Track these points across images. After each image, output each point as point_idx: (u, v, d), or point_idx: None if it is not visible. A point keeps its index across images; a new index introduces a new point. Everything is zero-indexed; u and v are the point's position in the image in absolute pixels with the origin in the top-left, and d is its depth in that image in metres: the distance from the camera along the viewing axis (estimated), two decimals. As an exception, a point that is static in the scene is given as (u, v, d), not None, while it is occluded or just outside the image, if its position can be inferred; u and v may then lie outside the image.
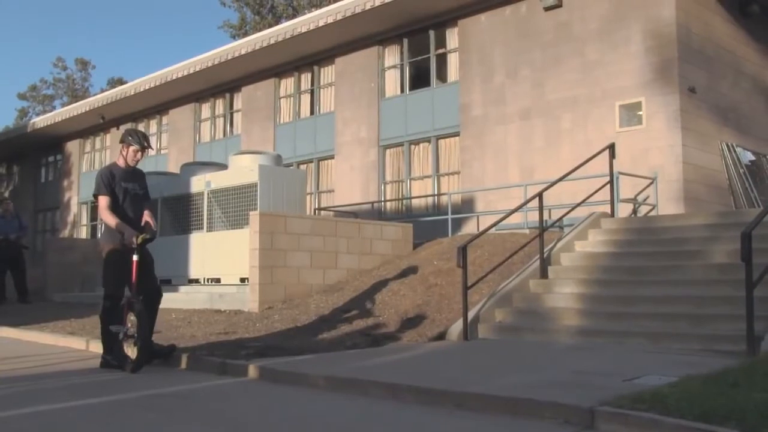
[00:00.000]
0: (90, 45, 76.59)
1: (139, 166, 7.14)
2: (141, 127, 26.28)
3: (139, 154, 6.95)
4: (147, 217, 6.95)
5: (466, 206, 16.27)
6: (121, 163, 6.99)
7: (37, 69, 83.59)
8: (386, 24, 17.99)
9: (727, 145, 14.50)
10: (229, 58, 20.62)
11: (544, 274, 9.17)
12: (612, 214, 11.00)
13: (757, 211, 9.16)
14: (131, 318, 6.75)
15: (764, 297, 6.59)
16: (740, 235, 6.11)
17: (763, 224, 6.86)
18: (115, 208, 6.80)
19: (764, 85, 16.33)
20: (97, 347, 8.14)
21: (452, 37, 17.50)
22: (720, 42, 15.00)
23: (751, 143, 15.33)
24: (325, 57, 20.02)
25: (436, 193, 17.43)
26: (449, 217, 15.06)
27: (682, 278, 8.23)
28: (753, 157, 15.08)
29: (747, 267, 6.10)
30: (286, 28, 19.47)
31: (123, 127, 26.68)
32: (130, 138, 6.95)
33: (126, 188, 6.89)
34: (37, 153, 31.94)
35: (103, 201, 6.80)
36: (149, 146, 7.10)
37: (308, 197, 17.74)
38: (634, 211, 13.14)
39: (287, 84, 21.49)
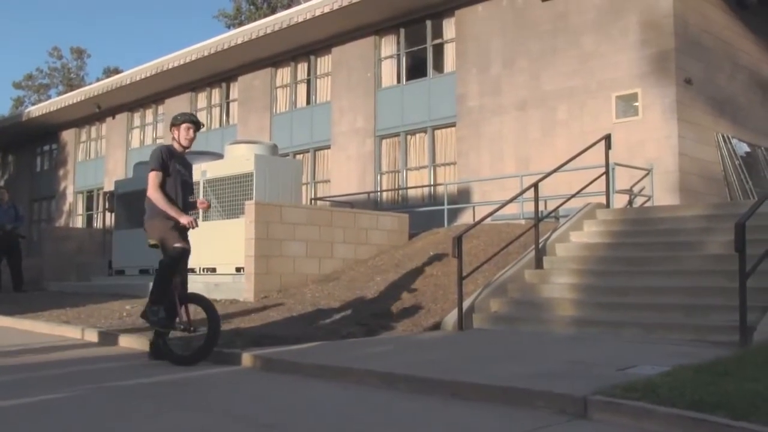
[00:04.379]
0: (85, 34, 76.33)
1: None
2: (137, 116, 26.23)
3: (191, 131, 6.68)
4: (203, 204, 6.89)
5: (462, 197, 16.29)
6: (176, 146, 6.77)
7: (32, 58, 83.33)
8: (383, 14, 17.96)
9: (723, 137, 14.53)
10: (226, 47, 20.56)
11: (539, 264, 9.19)
12: (607, 205, 11.00)
13: (752, 202, 9.18)
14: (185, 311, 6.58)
15: (757, 288, 6.63)
16: (734, 226, 6.14)
17: (758, 215, 6.89)
18: (163, 186, 6.47)
19: (760, 77, 16.35)
20: (91, 336, 8.18)
21: (449, 28, 17.47)
22: (717, 34, 15.00)
23: (746, 135, 15.36)
24: (322, 47, 19.98)
25: (432, 183, 17.44)
26: (445, 207, 15.07)
27: (677, 269, 8.26)
28: (748, 149, 15.12)
29: (741, 257, 6.13)
30: (282, 17, 19.42)
31: (119, 117, 26.66)
32: (179, 117, 6.76)
33: (179, 170, 6.65)
34: (32, 142, 31.84)
35: (154, 177, 6.42)
36: (201, 123, 6.86)
37: (304, 187, 17.72)
38: (630, 202, 13.16)
39: (284, 74, 21.44)
